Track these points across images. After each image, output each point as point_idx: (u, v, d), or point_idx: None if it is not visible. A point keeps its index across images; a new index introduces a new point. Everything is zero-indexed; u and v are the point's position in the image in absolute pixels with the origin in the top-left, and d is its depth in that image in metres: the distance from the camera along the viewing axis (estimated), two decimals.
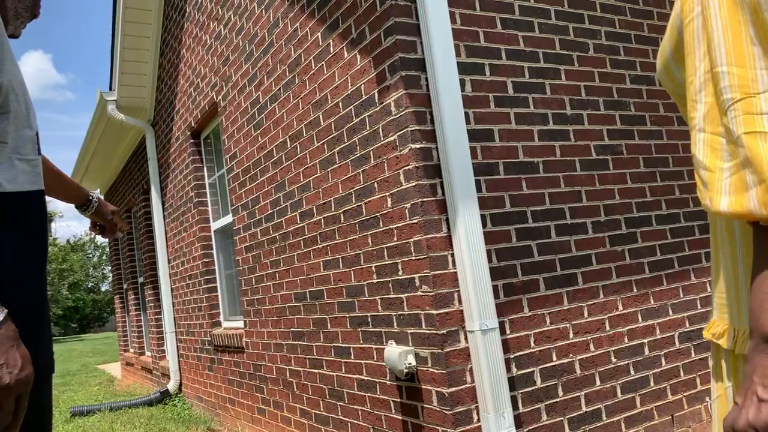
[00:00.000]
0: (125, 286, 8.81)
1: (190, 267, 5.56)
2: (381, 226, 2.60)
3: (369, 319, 2.73)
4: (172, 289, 6.26)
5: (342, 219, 2.91)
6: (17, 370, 0.81)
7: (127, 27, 5.91)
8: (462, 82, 2.45)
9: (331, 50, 2.88)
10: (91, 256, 39.52)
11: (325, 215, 3.06)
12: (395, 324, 2.53)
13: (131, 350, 8.86)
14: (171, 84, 5.77)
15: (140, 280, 7.99)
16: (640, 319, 2.76)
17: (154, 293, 6.99)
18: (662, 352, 2.80)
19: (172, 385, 6.17)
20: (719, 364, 0.82)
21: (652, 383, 2.73)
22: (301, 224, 3.31)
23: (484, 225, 2.38)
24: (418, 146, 2.35)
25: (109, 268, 13.39)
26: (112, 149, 7.59)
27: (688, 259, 2.97)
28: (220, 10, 4.35)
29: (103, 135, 7.02)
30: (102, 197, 1.66)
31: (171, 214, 6.09)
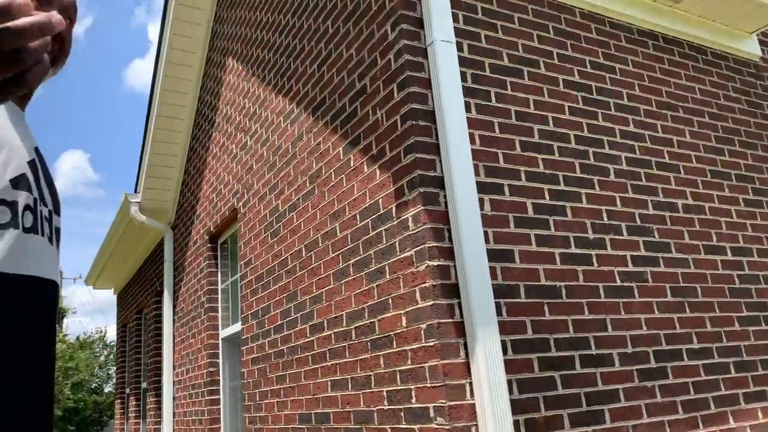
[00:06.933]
0: (128, 390, 8.50)
1: (195, 376, 5.35)
2: (394, 346, 2.46)
3: None
4: (174, 398, 6.00)
5: (353, 335, 2.77)
6: None
7: (158, 134, 6.15)
8: (481, 201, 2.42)
9: (352, 164, 2.91)
10: (98, 354, 38.86)
11: (336, 330, 2.93)
12: None
13: None
14: (194, 189, 5.89)
15: (143, 385, 7.71)
16: None
17: (155, 401, 6.70)
18: None
19: None
20: None
21: None
22: (311, 338, 3.18)
23: (504, 352, 2.23)
24: (435, 263, 2.27)
25: (114, 368, 13.06)
26: (130, 250, 7.65)
27: (724, 400, 2.74)
28: (248, 122, 4.50)
29: (123, 235, 7.11)
30: None
31: (181, 318, 5.97)
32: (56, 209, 1.05)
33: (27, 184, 0.97)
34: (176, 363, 6.01)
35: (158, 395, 6.60)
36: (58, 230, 1.06)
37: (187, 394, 5.57)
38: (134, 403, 7.99)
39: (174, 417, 5.93)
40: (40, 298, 0.89)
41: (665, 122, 3.19)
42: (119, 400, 9.17)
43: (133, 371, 8.10)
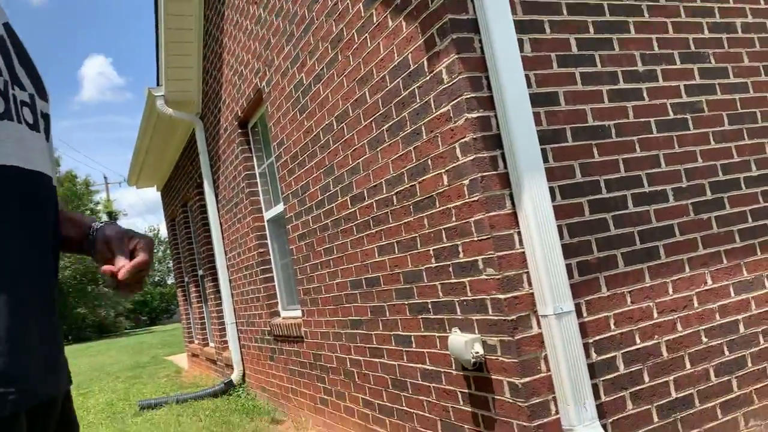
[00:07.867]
0: (186, 279, 8.97)
1: (246, 258, 5.54)
2: (437, 206, 2.41)
3: (429, 306, 2.56)
4: (230, 281, 6.29)
5: (395, 201, 2.74)
6: None
7: (170, 20, 5.89)
8: (520, 42, 2.22)
9: (374, 20, 2.70)
10: (156, 251, 40.77)
11: (377, 198, 2.90)
12: (458, 310, 2.36)
13: (196, 341, 9.05)
14: (216, 74, 5.72)
15: (200, 272, 8.10)
16: (732, 294, 2.48)
17: (213, 285, 7.06)
18: (759, 329, 2.51)
19: (235, 376, 6.22)
20: None
21: (749, 364, 2.46)
22: (353, 209, 3.17)
23: (553, 198, 2.16)
24: (474, 115, 2.15)
25: (171, 261, 13.75)
26: (164, 145, 7.67)
27: None
28: None
29: (154, 131, 7.09)
30: (109, 223, 1.05)
31: (225, 206, 6.09)
32: (40, 94, 0.85)
33: None
34: (227, 248, 6.23)
35: (215, 279, 6.93)
36: (46, 116, 0.86)
37: (241, 276, 5.82)
38: (194, 289, 8.45)
39: (233, 297, 6.26)
40: (19, 190, 0.75)
41: None
42: (180, 289, 9.73)
43: (188, 260, 8.48)
